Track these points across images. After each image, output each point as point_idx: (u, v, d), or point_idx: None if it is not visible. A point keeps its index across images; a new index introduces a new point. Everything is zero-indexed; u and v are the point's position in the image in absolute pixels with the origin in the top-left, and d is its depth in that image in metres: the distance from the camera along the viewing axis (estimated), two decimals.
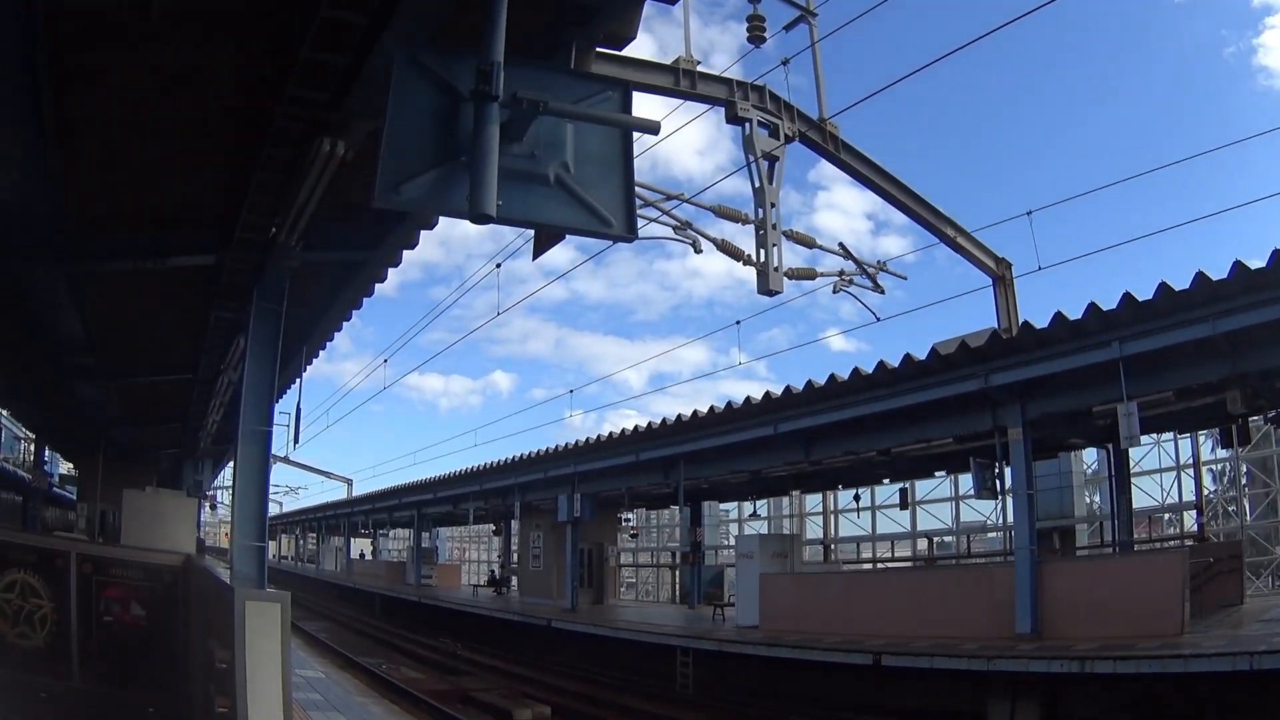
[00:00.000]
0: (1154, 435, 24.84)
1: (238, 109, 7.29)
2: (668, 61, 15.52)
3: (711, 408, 22.25)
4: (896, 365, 16.93)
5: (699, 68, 15.71)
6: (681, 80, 15.46)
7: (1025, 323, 15.62)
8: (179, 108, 7.61)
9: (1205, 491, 28.23)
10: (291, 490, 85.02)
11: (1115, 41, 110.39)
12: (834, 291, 18.81)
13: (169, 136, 8.14)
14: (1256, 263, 11.80)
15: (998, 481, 17.84)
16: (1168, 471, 29.16)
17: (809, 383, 18.93)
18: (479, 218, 3.74)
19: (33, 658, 12.63)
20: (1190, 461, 27.37)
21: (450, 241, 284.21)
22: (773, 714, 17.26)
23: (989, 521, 30.91)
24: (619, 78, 4.84)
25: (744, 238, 17.28)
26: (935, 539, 32.47)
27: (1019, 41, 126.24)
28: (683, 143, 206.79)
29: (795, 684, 17.91)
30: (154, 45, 6.72)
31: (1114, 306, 13.37)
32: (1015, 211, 50.05)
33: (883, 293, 19.51)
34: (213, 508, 43.69)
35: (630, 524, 36.09)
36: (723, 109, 16.22)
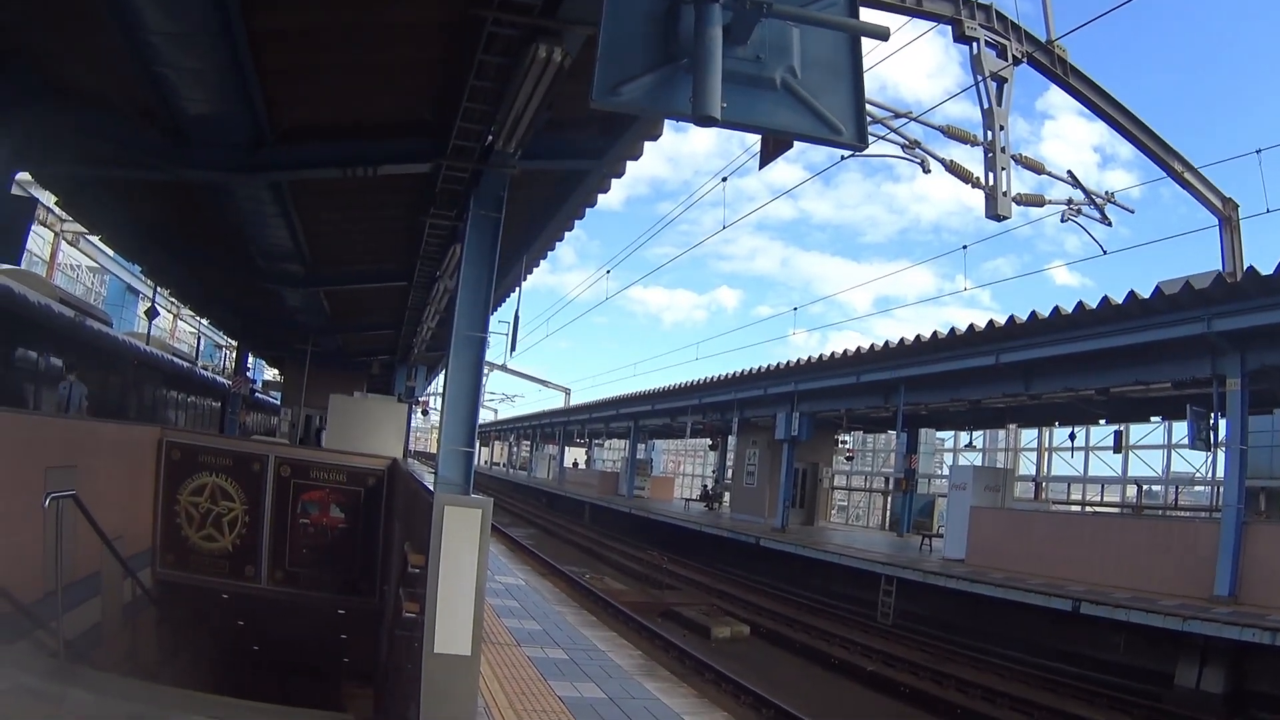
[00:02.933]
0: None
1: (446, 17, 7.25)
2: None
3: (935, 333, 21.93)
4: (1120, 301, 16.27)
5: None
6: None
7: (1250, 268, 14.53)
8: (382, 19, 7.65)
9: None
10: (507, 398, 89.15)
11: None
12: (1062, 220, 18.45)
13: (374, 48, 8.19)
14: None
15: (1212, 433, 17.12)
16: None
17: (1033, 313, 18.40)
18: (703, 120, 3.54)
19: (218, 560, 13.34)
20: None
21: (678, 158, 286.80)
22: (969, 653, 16.98)
23: (1198, 474, 29.56)
24: None
25: (972, 162, 16.92)
26: (1144, 486, 31.32)
27: None
28: (912, 65, 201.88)
29: (995, 622, 17.64)
30: None
31: None
32: (1243, 150, 46.54)
33: (1110, 225, 18.89)
34: (424, 413, 45.31)
35: (846, 446, 36.00)
36: (950, 28, 15.78)
